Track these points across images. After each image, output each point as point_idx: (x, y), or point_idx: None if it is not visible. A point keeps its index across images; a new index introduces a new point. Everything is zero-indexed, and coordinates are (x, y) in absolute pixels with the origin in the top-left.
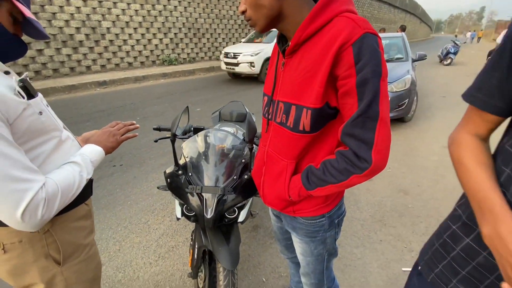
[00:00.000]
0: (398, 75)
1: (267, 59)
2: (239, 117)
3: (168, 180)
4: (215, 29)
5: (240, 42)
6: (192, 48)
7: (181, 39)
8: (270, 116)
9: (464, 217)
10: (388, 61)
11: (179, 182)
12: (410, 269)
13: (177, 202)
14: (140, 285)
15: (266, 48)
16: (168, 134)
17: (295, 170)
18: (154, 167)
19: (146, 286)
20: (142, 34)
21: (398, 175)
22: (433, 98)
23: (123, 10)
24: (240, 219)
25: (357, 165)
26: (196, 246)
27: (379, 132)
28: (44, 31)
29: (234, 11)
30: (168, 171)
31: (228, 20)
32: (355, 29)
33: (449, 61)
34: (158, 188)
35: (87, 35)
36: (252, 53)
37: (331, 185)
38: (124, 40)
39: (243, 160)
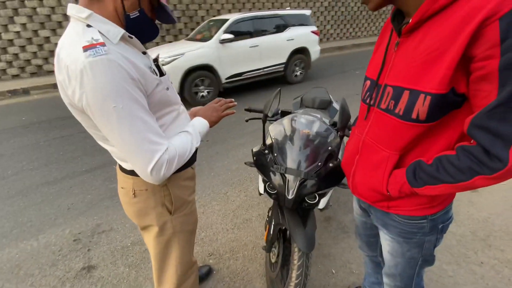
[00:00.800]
0: None
1: (193, 70)
2: (322, 104)
3: (255, 157)
4: None
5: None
6: None
7: None
8: (372, 102)
9: None
10: None
11: (265, 161)
12: None
13: (260, 178)
14: (218, 246)
15: (193, 51)
16: (256, 115)
17: (397, 164)
18: (234, 146)
19: (223, 248)
20: None
21: None
22: None
23: None
24: (320, 206)
25: (486, 165)
26: (273, 223)
27: None
28: (173, 16)
29: None
30: (255, 149)
31: None
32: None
33: None
34: (245, 163)
35: (185, 23)
36: (162, 61)
37: (446, 185)
38: None
39: (329, 148)
